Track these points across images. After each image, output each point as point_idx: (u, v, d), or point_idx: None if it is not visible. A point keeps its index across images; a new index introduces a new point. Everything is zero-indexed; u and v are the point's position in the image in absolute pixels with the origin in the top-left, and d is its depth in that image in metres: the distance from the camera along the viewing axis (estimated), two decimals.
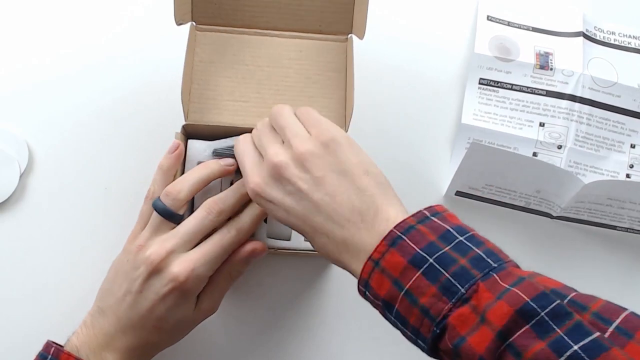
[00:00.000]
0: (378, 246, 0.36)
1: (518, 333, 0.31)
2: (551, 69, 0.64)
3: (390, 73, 0.65)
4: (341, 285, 0.58)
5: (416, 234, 0.36)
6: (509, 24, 0.67)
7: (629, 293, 0.61)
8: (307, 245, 0.52)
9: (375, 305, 0.38)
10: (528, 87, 0.64)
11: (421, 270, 0.34)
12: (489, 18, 0.67)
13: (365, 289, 0.37)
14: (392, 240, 0.36)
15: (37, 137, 0.60)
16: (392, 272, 0.35)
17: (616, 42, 0.67)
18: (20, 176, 0.58)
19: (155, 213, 0.46)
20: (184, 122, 0.52)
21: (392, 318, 0.36)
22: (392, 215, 0.38)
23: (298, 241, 0.52)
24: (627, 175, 0.63)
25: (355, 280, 0.39)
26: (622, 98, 0.64)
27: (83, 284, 0.56)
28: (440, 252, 0.34)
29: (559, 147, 0.62)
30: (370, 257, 0.36)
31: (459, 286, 0.33)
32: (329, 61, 0.55)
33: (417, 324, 0.35)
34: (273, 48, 0.55)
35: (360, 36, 0.53)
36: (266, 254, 0.49)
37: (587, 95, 0.63)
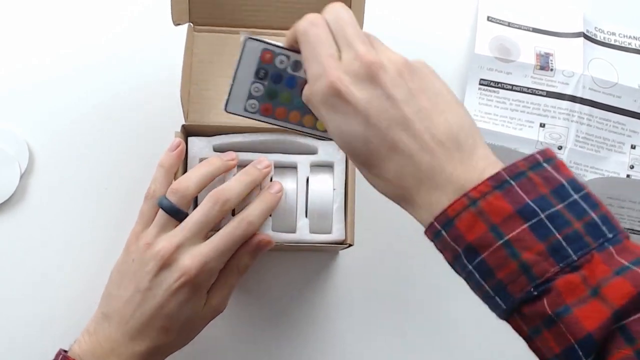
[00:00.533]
0: (480, 185, 0.32)
1: (635, 317, 0.29)
2: (551, 70, 0.64)
3: None
4: (345, 280, 0.58)
5: (527, 182, 0.31)
6: (509, 24, 0.67)
7: None
8: (312, 237, 0.51)
9: (448, 249, 0.33)
10: (528, 88, 0.64)
11: (529, 223, 0.31)
12: (489, 19, 0.67)
13: (443, 227, 0.33)
14: (499, 182, 0.31)
15: (37, 137, 0.60)
16: (492, 217, 0.31)
17: (617, 43, 0.67)
18: (21, 176, 0.58)
19: (161, 211, 0.45)
20: (183, 122, 0.52)
21: (470, 267, 0.32)
22: (490, 155, 0.34)
23: (303, 234, 0.51)
24: (628, 176, 0.63)
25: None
26: (622, 99, 0.64)
27: (83, 284, 0.56)
28: (553, 210, 0.31)
29: (560, 147, 0.62)
30: (466, 194, 0.32)
31: (570, 251, 0.30)
32: None
33: (507, 279, 0.31)
34: None
35: None
36: (271, 248, 0.48)
37: (587, 95, 0.63)
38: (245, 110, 0.42)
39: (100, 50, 0.63)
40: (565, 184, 0.32)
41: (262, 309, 0.57)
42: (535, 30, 0.67)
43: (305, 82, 0.37)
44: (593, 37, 0.67)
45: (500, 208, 0.31)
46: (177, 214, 0.45)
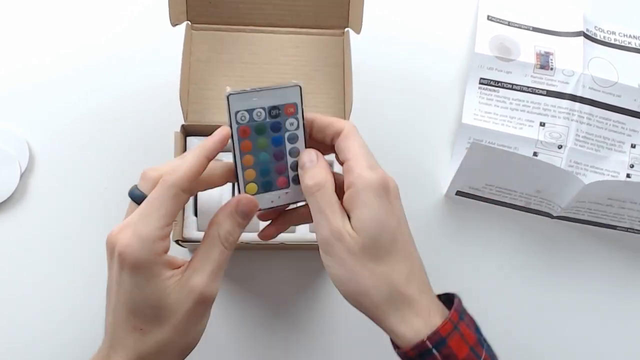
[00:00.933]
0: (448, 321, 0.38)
1: None
2: (551, 69, 0.64)
3: (390, 73, 0.65)
4: None
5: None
6: (509, 23, 0.67)
7: (630, 293, 0.61)
8: (312, 237, 0.51)
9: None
10: (528, 87, 0.64)
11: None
12: (490, 18, 0.67)
13: (435, 346, 0.37)
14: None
15: (37, 136, 0.60)
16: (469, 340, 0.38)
17: (616, 42, 0.67)
18: (21, 175, 0.58)
19: (130, 202, 0.39)
20: (183, 122, 0.52)
21: None
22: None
23: (302, 233, 0.51)
24: (628, 175, 0.63)
25: None
26: (622, 98, 0.64)
27: (83, 283, 0.56)
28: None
29: (560, 147, 0.62)
30: (449, 319, 0.38)
31: None
32: (327, 56, 0.55)
33: None
34: (269, 44, 0.55)
35: (357, 30, 0.53)
36: (264, 241, 0.43)
37: (587, 95, 0.63)
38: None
39: (100, 50, 0.63)
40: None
41: (262, 308, 0.58)
42: (535, 29, 0.67)
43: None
44: (593, 36, 0.67)
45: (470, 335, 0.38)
46: (136, 198, 0.39)
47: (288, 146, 0.40)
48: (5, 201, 0.58)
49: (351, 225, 0.37)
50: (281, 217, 0.43)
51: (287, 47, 0.55)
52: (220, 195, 0.51)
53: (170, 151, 0.50)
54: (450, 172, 0.61)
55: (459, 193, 0.62)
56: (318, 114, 0.41)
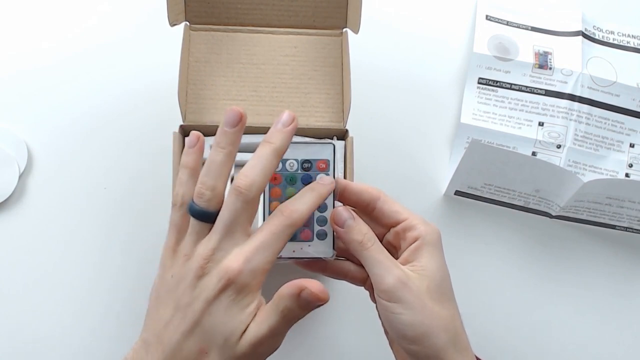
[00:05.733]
0: None
1: None
2: (550, 69, 0.64)
3: (388, 73, 0.65)
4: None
5: None
6: (507, 23, 0.67)
7: (628, 292, 0.61)
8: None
9: None
10: (527, 87, 0.64)
11: None
12: (488, 17, 0.67)
13: None
14: None
15: (36, 137, 0.60)
16: None
17: (615, 42, 0.67)
18: (20, 176, 0.58)
19: (192, 219, 0.40)
20: (181, 122, 0.52)
21: None
22: None
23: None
24: (627, 175, 0.63)
25: None
26: (621, 97, 0.64)
27: (82, 283, 0.56)
28: None
29: (558, 146, 0.62)
30: None
31: None
32: (325, 56, 0.55)
33: None
34: (268, 45, 0.55)
35: (356, 30, 0.53)
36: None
37: (586, 94, 0.63)
38: None
39: (99, 51, 0.63)
40: None
41: None
42: (533, 29, 0.67)
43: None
44: (592, 35, 0.67)
45: None
46: (208, 218, 0.39)
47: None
48: (3, 202, 0.58)
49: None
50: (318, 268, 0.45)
51: (285, 48, 0.55)
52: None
53: (169, 151, 0.50)
54: (449, 172, 0.61)
55: (457, 193, 0.62)
56: (349, 180, 0.43)
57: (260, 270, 0.38)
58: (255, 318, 0.38)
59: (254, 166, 0.39)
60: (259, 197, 0.39)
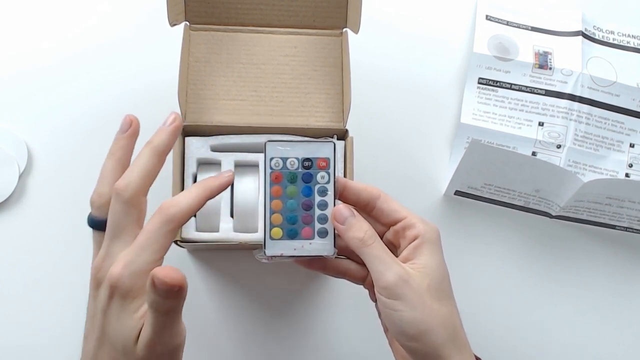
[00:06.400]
0: None
1: None
2: (550, 69, 0.64)
3: (388, 73, 0.65)
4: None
5: None
6: (507, 23, 0.67)
7: (628, 292, 0.61)
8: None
9: None
10: (527, 87, 0.64)
11: None
12: (488, 17, 0.67)
13: None
14: None
15: (36, 137, 0.60)
16: None
17: (615, 42, 0.67)
18: (20, 176, 0.58)
19: (92, 231, 0.39)
20: None
21: None
22: None
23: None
24: (627, 175, 0.63)
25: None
26: (621, 97, 0.64)
27: (81, 283, 0.56)
28: None
29: (558, 146, 0.62)
30: None
31: None
32: (325, 57, 0.55)
33: None
34: (268, 45, 0.55)
35: (355, 30, 0.53)
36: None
37: (586, 94, 0.63)
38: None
39: (99, 51, 0.63)
40: None
41: (261, 309, 0.58)
42: (533, 29, 0.67)
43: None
44: (592, 35, 0.67)
45: None
46: (102, 226, 0.38)
47: (317, 198, 0.42)
48: (3, 202, 0.58)
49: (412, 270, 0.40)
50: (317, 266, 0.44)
51: (285, 48, 0.55)
52: (219, 196, 0.51)
53: None
54: (449, 172, 0.61)
55: (457, 193, 0.62)
56: (349, 179, 0.43)
57: (143, 272, 0.36)
58: (145, 320, 0.36)
59: (132, 167, 0.39)
60: (140, 198, 0.37)
